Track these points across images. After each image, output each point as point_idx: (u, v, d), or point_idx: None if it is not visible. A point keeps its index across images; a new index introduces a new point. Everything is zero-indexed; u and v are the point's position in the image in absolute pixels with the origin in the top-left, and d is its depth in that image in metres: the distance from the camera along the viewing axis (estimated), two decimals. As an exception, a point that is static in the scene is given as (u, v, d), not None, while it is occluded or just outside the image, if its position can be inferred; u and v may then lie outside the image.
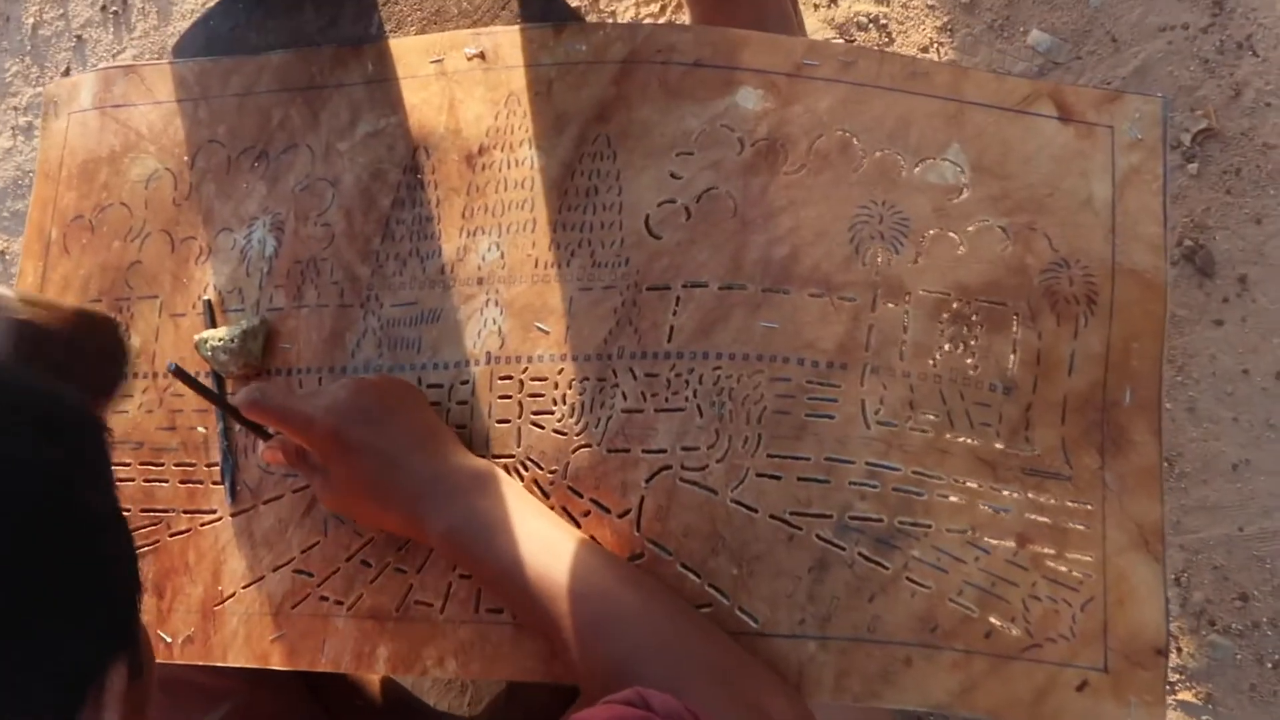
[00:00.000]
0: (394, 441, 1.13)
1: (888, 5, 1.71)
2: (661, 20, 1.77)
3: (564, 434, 1.19)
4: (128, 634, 0.81)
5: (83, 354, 1.16)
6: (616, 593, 1.04)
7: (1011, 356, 1.16)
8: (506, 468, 1.20)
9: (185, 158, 1.40)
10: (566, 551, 1.07)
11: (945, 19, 1.68)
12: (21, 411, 0.76)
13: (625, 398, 1.18)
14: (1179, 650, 1.53)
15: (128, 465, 1.33)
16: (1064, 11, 1.64)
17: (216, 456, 1.30)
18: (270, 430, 1.22)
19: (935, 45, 1.67)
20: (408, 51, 1.35)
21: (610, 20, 1.80)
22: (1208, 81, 1.58)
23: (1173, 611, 1.54)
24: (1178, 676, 1.54)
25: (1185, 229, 1.57)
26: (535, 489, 1.18)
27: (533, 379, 1.21)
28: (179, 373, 1.10)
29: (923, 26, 1.69)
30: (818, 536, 1.11)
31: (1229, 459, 1.54)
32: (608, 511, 1.16)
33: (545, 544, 1.08)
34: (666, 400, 1.17)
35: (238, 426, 1.28)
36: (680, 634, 1.03)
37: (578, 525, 1.17)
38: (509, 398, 1.22)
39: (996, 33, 1.66)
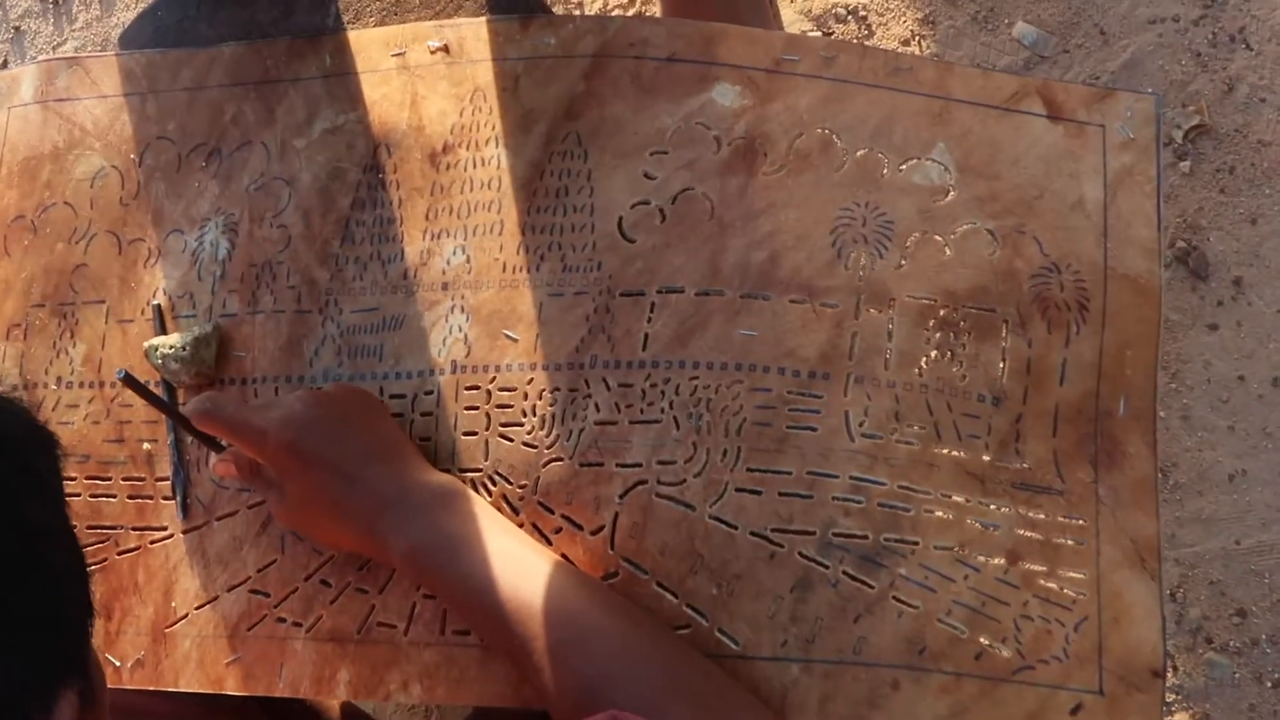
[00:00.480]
0: (352, 456, 1.11)
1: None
2: (630, 13, 1.75)
3: (534, 447, 1.18)
4: (77, 661, 0.79)
5: None
6: (588, 613, 1.03)
7: (1001, 365, 1.15)
8: (474, 482, 1.19)
9: (133, 155, 1.38)
10: (535, 571, 1.06)
11: (927, 10, 1.67)
12: None
13: (598, 409, 1.17)
14: (1175, 669, 1.53)
15: (73, 479, 1.31)
16: (1050, 3, 1.64)
17: (167, 470, 1.28)
18: (223, 443, 1.20)
19: (916, 38, 1.67)
20: (368, 44, 1.34)
21: (578, 13, 1.78)
22: (1200, 76, 1.58)
23: (1169, 629, 1.53)
24: (1174, 697, 1.53)
25: (1178, 230, 1.56)
26: (504, 504, 1.17)
27: (501, 389, 1.20)
28: (129, 380, 1.08)
29: (903, 19, 1.68)
30: (800, 554, 1.11)
31: (1225, 469, 1.54)
32: (580, 528, 1.15)
33: (512, 563, 1.06)
34: (641, 412, 1.16)
35: (190, 439, 1.26)
36: (655, 656, 1.02)
37: (549, 543, 1.15)
38: (476, 409, 1.20)
39: (980, 25, 1.66)
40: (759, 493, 1.12)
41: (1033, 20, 1.62)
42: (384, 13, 1.37)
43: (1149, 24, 1.59)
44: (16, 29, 2.22)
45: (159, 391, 1.29)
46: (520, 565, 1.06)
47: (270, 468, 1.14)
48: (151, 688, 1.23)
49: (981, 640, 1.09)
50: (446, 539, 1.08)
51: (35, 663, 0.74)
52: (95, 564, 1.28)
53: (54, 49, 2.18)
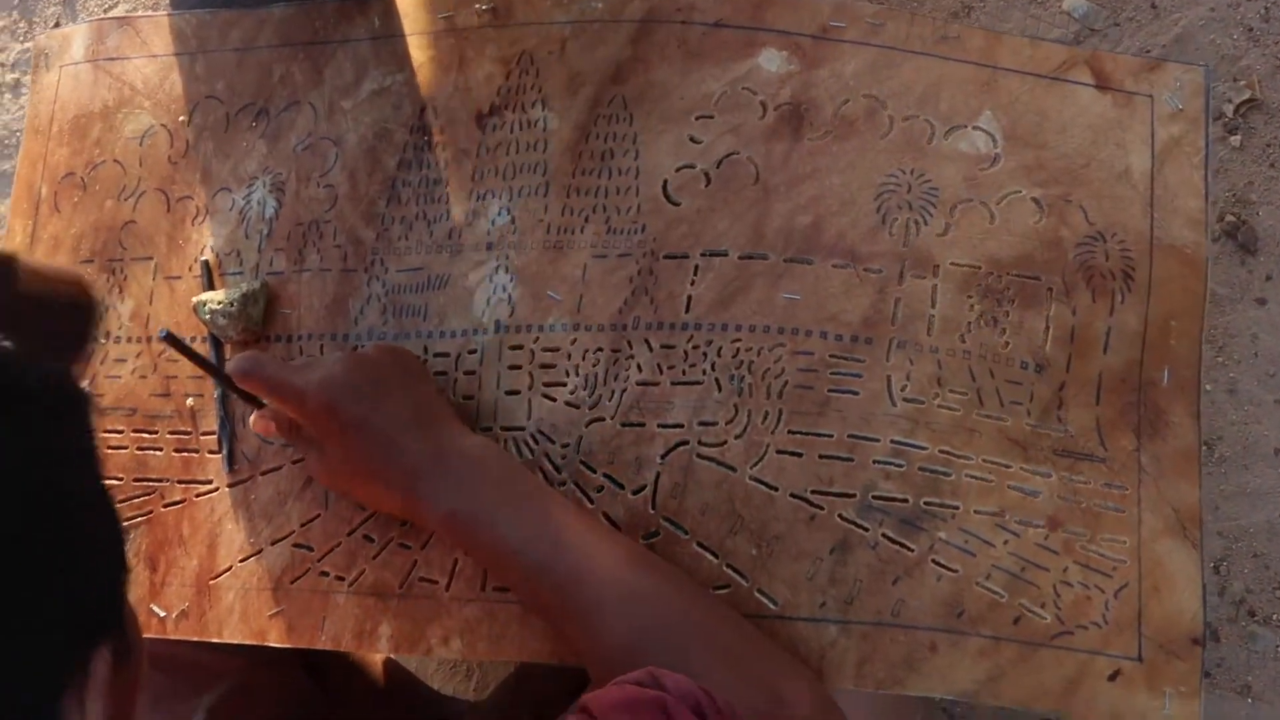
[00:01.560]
0: (391, 419, 1.12)
1: None
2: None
3: (576, 406, 1.19)
4: (112, 619, 0.80)
5: (43, 312, 1.15)
6: (625, 573, 1.04)
7: (1044, 333, 1.15)
8: (516, 441, 1.20)
9: (181, 115, 1.40)
10: (573, 533, 1.07)
11: (984, -21, 1.68)
12: None
13: (640, 370, 1.18)
14: (1217, 641, 1.53)
15: (120, 433, 1.33)
16: (1103, -24, 1.64)
17: (213, 425, 1.29)
18: (264, 400, 1.21)
19: (966, 9, 1.67)
20: (416, 6, 1.35)
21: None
22: (1251, 50, 1.58)
23: (1211, 601, 1.54)
24: (1215, 668, 1.53)
25: (1227, 204, 1.56)
26: (546, 463, 1.18)
27: (544, 349, 1.21)
28: (171, 339, 1.10)
29: (952, -12, 1.69)
30: (840, 517, 1.11)
31: (1271, 443, 1.54)
32: (621, 487, 1.16)
33: (550, 526, 1.07)
34: (684, 373, 1.17)
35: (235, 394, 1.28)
36: (693, 616, 1.03)
37: (590, 501, 1.17)
38: (519, 368, 1.21)
39: (1030, -3, 1.66)
40: (800, 455, 1.13)
41: None
42: None
43: None
44: None
45: (206, 347, 1.31)
46: (558, 528, 1.07)
47: (309, 428, 1.16)
48: (195, 638, 1.25)
49: (1020, 605, 1.10)
50: (484, 503, 1.09)
51: (67, 623, 0.75)
52: (141, 516, 1.29)
53: (105, 10, 2.20)
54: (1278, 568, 1.52)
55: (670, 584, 1.05)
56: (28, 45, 2.26)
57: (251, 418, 1.21)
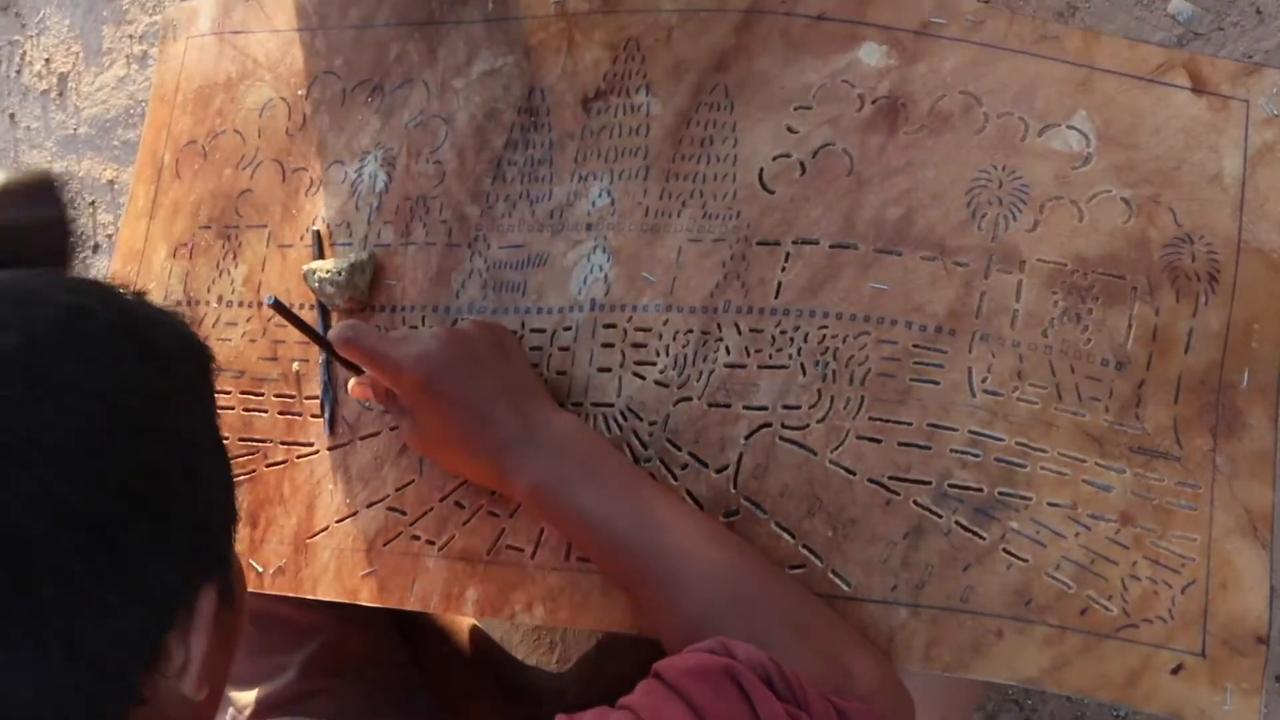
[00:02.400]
0: (482, 395, 1.16)
1: None
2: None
3: (665, 385, 1.22)
4: (219, 560, 0.85)
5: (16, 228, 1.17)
6: (701, 549, 1.07)
7: (1126, 331, 1.16)
8: (605, 417, 1.23)
9: (300, 89, 1.44)
10: (652, 508, 1.10)
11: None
12: (127, 334, 0.81)
13: (729, 352, 1.20)
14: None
15: (228, 394, 1.37)
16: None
17: (316, 390, 1.34)
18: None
19: (1072, 9, 1.67)
20: (530, -10, 1.37)
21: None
22: None
23: (1282, 605, 1.54)
24: (1285, 673, 1.54)
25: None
26: (634, 439, 1.21)
27: (637, 329, 1.24)
28: (278, 305, 1.13)
29: (1060, -11, 1.69)
30: (915, 503, 1.13)
31: None
32: (705, 466, 1.19)
33: (631, 501, 1.11)
34: (770, 357, 1.19)
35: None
36: (766, 592, 1.06)
37: (674, 479, 1.19)
38: (612, 346, 1.24)
39: (1136, -1, 1.67)
40: (879, 441, 1.15)
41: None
42: None
43: None
44: None
45: (313, 315, 1.35)
46: (638, 503, 1.10)
47: (404, 398, 1.19)
48: (291, 594, 1.29)
49: (1088, 596, 1.11)
50: (569, 476, 1.12)
51: (182, 561, 0.79)
52: (245, 474, 1.34)
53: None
54: None
55: (745, 560, 1.08)
56: (155, 19, 2.31)
57: (350, 383, 1.25)
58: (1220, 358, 1.16)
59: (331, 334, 1.18)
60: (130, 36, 2.35)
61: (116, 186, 2.33)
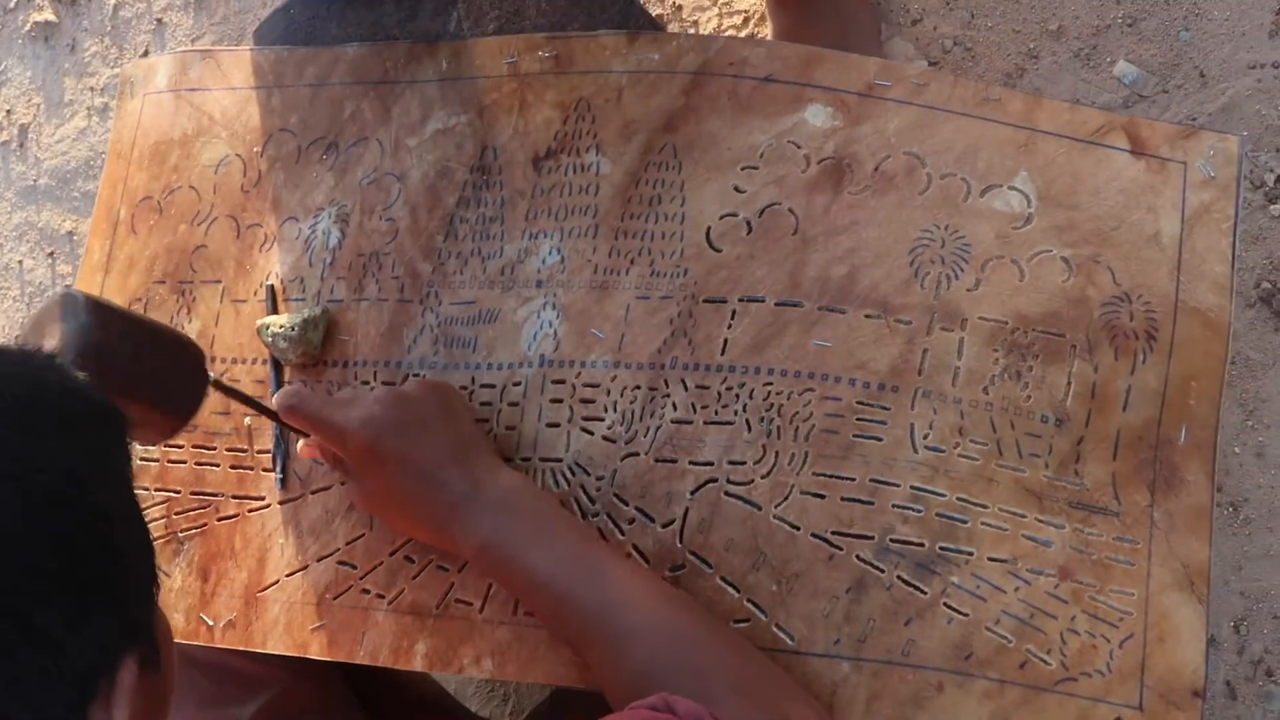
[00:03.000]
0: (428, 456, 1.16)
1: (973, 28, 1.73)
2: (743, 34, 1.80)
3: (613, 441, 1.23)
4: (140, 629, 0.84)
5: (159, 359, 1.19)
6: (645, 605, 1.08)
7: (1066, 388, 1.18)
8: (554, 472, 1.24)
9: (256, 146, 1.45)
10: (597, 566, 1.11)
11: (1031, 44, 1.70)
12: (39, 409, 0.80)
13: (676, 408, 1.22)
14: (1234, 699, 1.54)
15: (180, 448, 1.38)
16: (1152, 44, 1.66)
17: (268, 443, 1.34)
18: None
19: (1019, 71, 1.70)
20: (482, 51, 1.39)
21: (692, 31, 1.83)
22: None
23: (1229, 659, 1.55)
24: (1233, 727, 1.55)
25: (1264, 271, 1.57)
26: (582, 494, 1.22)
27: (585, 384, 1.25)
28: (219, 385, 1.14)
29: (1007, 52, 1.71)
30: (858, 557, 1.14)
31: None
32: (652, 520, 1.20)
33: (576, 559, 1.12)
34: (716, 413, 1.20)
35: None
36: (708, 647, 1.07)
37: (621, 533, 1.20)
38: (560, 401, 1.25)
39: (1083, 61, 1.68)
40: (823, 496, 1.16)
41: (1134, 60, 1.65)
42: (502, 19, 1.41)
43: (1249, 69, 1.60)
44: (159, 21, 2.29)
45: (266, 369, 1.36)
46: (584, 561, 1.11)
47: (350, 461, 1.19)
48: (242, 647, 1.29)
49: (1027, 650, 1.12)
50: (515, 535, 1.13)
51: (102, 635, 0.78)
52: (196, 528, 1.34)
53: (193, 41, 2.25)
54: None
55: (688, 616, 1.09)
56: (117, 71, 2.31)
57: (299, 444, 1.25)
58: (1158, 415, 1.18)
59: (275, 401, 1.19)
60: (92, 89, 2.36)
61: (76, 238, 2.33)
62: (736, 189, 1.27)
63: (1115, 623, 1.14)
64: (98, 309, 1.11)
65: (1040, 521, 1.16)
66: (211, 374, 1.15)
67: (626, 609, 1.08)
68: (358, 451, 1.16)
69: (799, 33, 1.64)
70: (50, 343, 1.07)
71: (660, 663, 1.05)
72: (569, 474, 1.23)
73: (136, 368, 1.14)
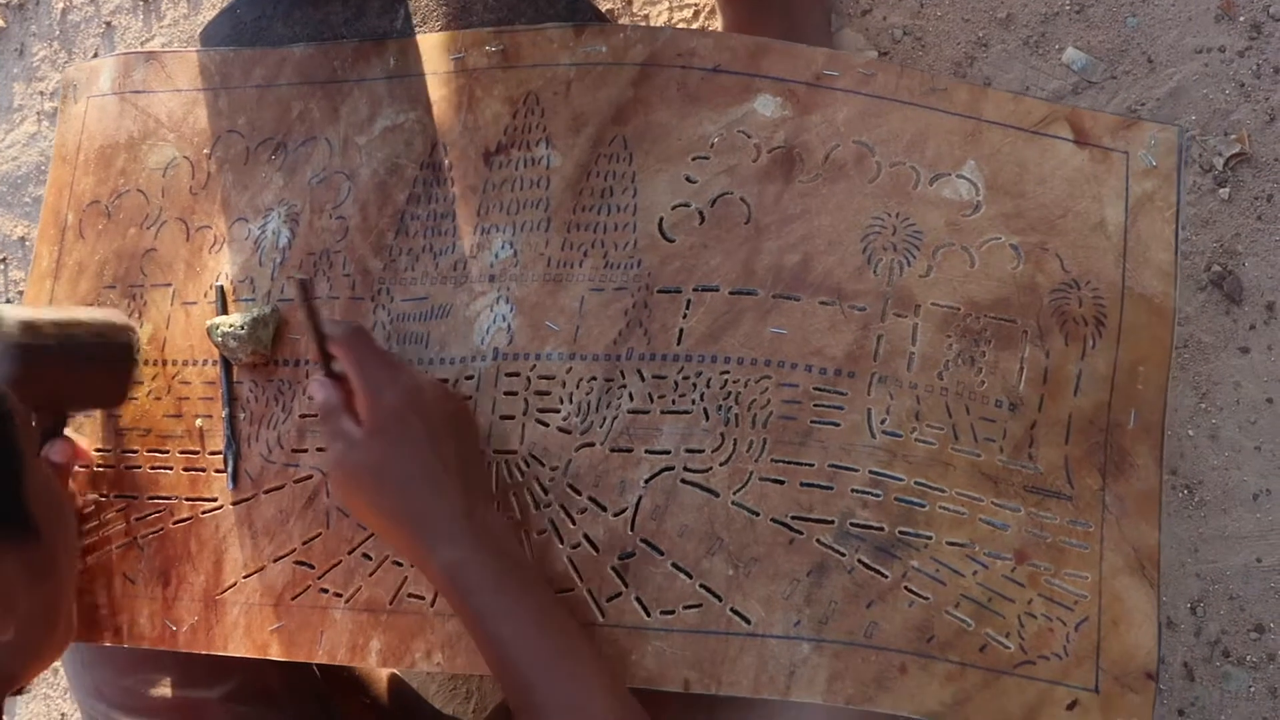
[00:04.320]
0: (444, 457, 1.14)
1: (922, 17, 1.73)
2: (693, 27, 1.80)
3: (568, 432, 1.23)
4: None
5: (89, 365, 1.25)
6: (596, 700, 1.07)
7: (1019, 373, 1.19)
8: (508, 464, 1.24)
9: (205, 148, 1.44)
10: (557, 634, 1.10)
11: (980, 33, 1.71)
12: None
13: (632, 398, 1.22)
14: (1191, 680, 1.55)
15: (135, 452, 1.37)
16: (1100, 30, 1.67)
17: (220, 445, 1.34)
18: (336, 370, 1.21)
19: (969, 60, 1.70)
20: (430, 48, 1.39)
21: (642, 24, 1.84)
22: (1243, 105, 1.60)
23: (1186, 641, 1.56)
24: (1190, 707, 1.55)
25: (1214, 254, 1.59)
26: (536, 485, 1.22)
27: (540, 376, 1.25)
28: (304, 285, 1.16)
29: (957, 40, 1.72)
30: (818, 541, 1.15)
31: (1250, 488, 1.56)
32: (604, 509, 1.20)
33: (540, 622, 1.10)
34: (673, 402, 1.21)
35: (242, 414, 1.33)
36: None
37: (573, 522, 1.21)
38: (514, 394, 1.25)
39: (1031, 49, 1.69)
40: (782, 482, 1.17)
41: (1083, 46, 1.66)
42: (448, 17, 1.40)
43: (1195, 53, 1.61)
44: (108, 24, 2.27)
45: (217, 370, 1.36)
46: (545, 624, 1.10)
47: (364, 418, 1.16)
48: (204, 651, 1.29)
49: (986, 633, 1.14)
50: (489, 575, 1.10)
51: None
52: (154, 533, 1.34)
53: (142, 44, 2.23)
54: (1253, 610, 1.54)
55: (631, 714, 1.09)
56: None
57: (311, 381, 1.22)
58: (1108, 399, 1.20)
59: (339, 326, 1.18)
60: (41, 93, 2.34)
61: (28, 244, 2.31)
62: (688, 179, 1.27)
63: (1071, 606, 1.15)
64: (26, 331, 1.15)
65: (996, 505, 1.17)
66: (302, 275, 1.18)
67: (571, 692, 1.07)
68: (387, 412, 1.14)
69: (748, 25, 1.65)
70: None
71: None
72: (523, 465, 1.23)
73: (64, 385, 1.22)
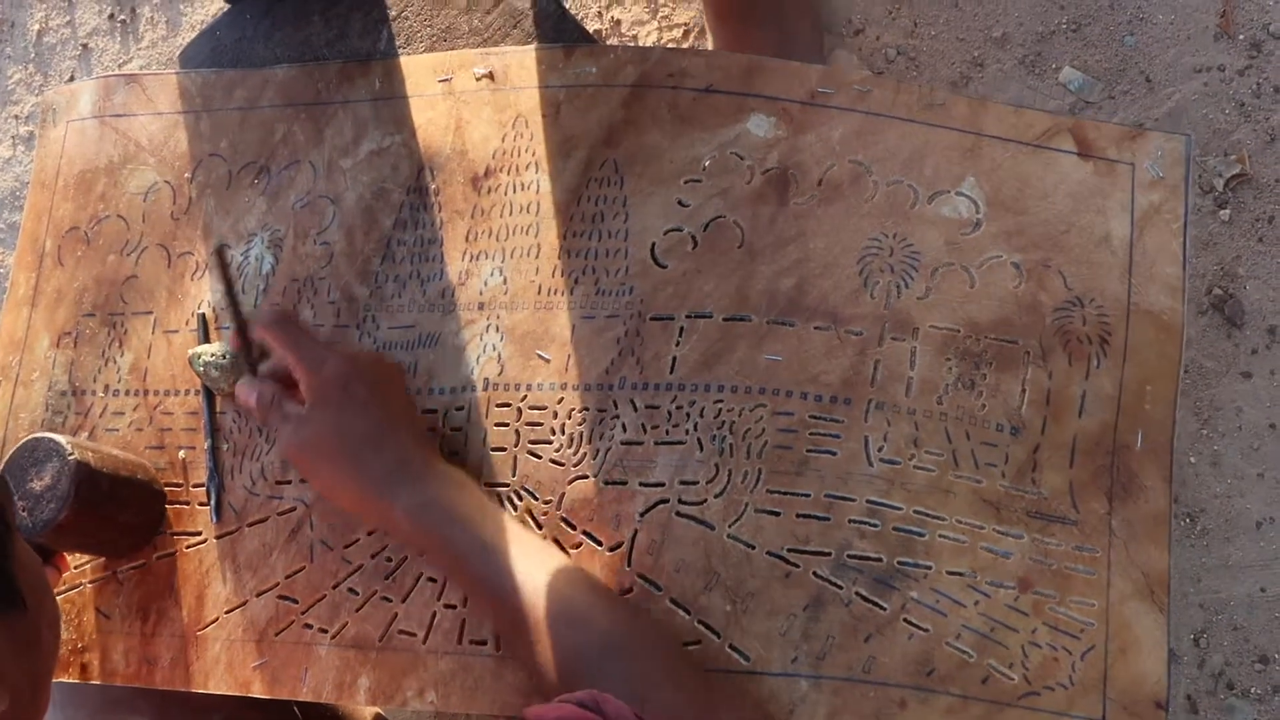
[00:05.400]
0: (392, 415, 1.17)
1: (916, 37, 1.72)
2: (684, 46, 1.79)
3: (561, 464, 1.21)
4: None
5: (125, 499, 1.26)
6: (580, 596, 1.09)
7: (1020, 396, 1.17)
8: (500, 497, 1.22)
9: (186, 172, 1.43)
10: (533, 553, 1.11)
11: (976, 53, 1.70)
12: None
13: (625, 429, 1.20)
14: (1195, 712, 1.54)
15: (119, 484, 1.36)
16: (1098, 49, 1.66)
17: (203, 477, 1.32)
18: (261, 369, 1.26)
19: (964, 80, 1.69)
20: (415, 70, 1.38)
21: (632, 45, 1.82)
22: (1243, 125, 1.59)
23: (1190, 673, 1.54)
24: (1194, 740, 1.55)
25: (1215, 277, 1.57)
26: (529, 519, 1.21)
27: (531, 407, 1.23)
28: (220, 252, 1.20)
29: (951, 60, 1.71)
30: (815, 574, 1.13)
31: (1253, 516, 1.54)
32: (599, 544, 1.18)
33: (513, 542, 1.12)
34: (667, 433, 1.19)
35: (225, 446, 1.31)
36: (643, 642, 1.07)
37: (569, 557, 1.18)
38: (506, 425, 1.24)
39: (1028, 69, 1.68)
40: (778, 514, 1.15)
41: (1080, 66, 1.64)
42: (434, 38, 1.40)
43: (1194, 73, 1.60)
44: (85, 47, 2.26)
45: (199, 401, 1.34)
46: (520, 545, 1.11)
47: (307, 395, 1.19)
48: (183, 689, 1.27)
49: (989, 664, 1.11)
50: (454, 506, 1.13)
51: None
52: (134, 566, 1.32)
53: (120, 67, 2.21)
54: (1257, 641, 1.52)
55: (623, 612, 1.10)
56: (42, 99, 2.30)
57: (239, 384, 1.25)
58: (1114, 420, 1.18)
59: (263, 312, 1.20)
60: (16, 117, 2.33)
61: (3, 270, 2.30)
62: (680, 203, 1.26)
63: (1077, 634, 1.13)
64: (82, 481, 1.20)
65: (999, 532, 1.15)
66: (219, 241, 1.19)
67: (561, 596, 1.07)
68: (329, 381, 1.17)
69: (739, 45, 1.64)
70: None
71: (593, 653, 1.05)
72: (516, 499, 1.22)
73: (100, 535, 1.27)
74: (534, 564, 1.10)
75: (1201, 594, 1.55)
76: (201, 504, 1.32)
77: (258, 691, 1.25)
